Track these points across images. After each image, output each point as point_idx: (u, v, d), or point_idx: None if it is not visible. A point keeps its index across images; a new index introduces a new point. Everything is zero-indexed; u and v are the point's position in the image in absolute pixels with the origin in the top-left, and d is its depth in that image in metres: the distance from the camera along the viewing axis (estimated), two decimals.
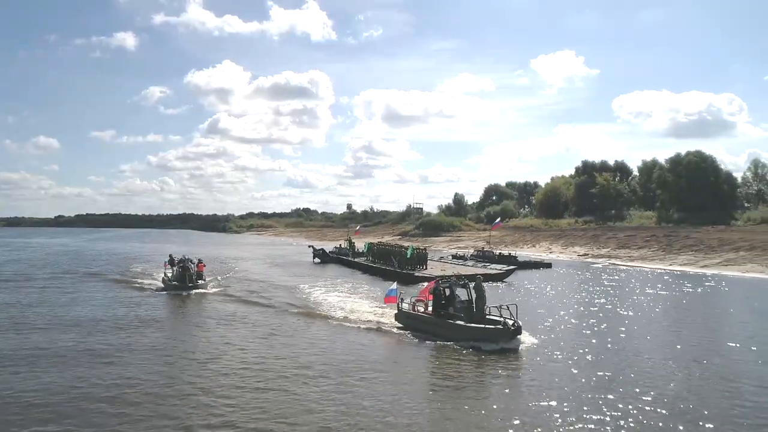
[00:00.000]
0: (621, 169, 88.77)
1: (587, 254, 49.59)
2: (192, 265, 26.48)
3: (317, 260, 45.94)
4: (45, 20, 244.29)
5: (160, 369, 12.51)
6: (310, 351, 14.22)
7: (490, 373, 12.36)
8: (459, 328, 15.31)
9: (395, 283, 19.28)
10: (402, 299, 18.01)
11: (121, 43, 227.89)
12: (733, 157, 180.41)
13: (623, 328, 17.52)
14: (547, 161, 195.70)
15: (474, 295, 16.05)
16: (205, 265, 28.17)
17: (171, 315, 20.60)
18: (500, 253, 41.43)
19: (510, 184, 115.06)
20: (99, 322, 17.90)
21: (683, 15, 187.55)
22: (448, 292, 16.61)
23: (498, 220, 56.36)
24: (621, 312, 20.99)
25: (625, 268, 40.54)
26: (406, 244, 59.81)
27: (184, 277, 25.47)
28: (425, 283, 19.85)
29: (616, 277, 34.51)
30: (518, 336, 14.61)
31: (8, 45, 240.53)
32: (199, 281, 26.11)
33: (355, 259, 42.06)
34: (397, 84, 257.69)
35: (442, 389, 11.33)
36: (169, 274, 26.96)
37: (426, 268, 33.32)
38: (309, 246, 51.73)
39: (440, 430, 9.18)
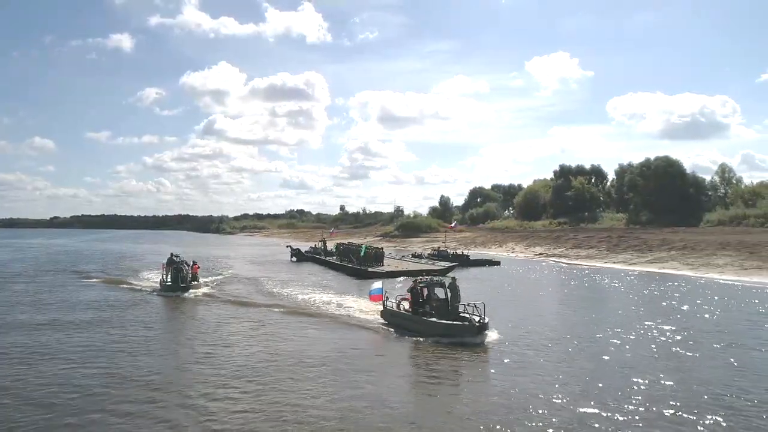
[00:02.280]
0: (597, 172, 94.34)
1: (542, 253, 55.23)
2: (186, 267, 27.49)
3: (294, 259, 51.76)
4: (41, 21, 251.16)
5: (150, 367, 13.57)
6: (301, 348, 15.65)
7: (461, 365, 14.14)
8: (431, 324, 17.09)
9: (380, 282, 20.95)
10: (387, 297, 19.83)
11: (117, 44, 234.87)
12: (726, 159, 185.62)
13: (542, 314, 22.30)
14: (542, 162, 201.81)
15: (449, 294, 17.97)
16: (199, 267, 29.58)
17: (163, 315, 21.75)
18: (454, 252, 47.21)
19: (495, 187, 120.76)
20: (96, 322, 19.40)
21: (676, 18, 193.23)
22: (426, 291, 18.33)
23: (454, 223, 62.24)
24: (541, 300, 26.70)
25: (566, 265, 46.25)
26: (384, 244, 65.70)
27: (177, 279, 26.68)
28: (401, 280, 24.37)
29: (546, 272, 40.22)
30: (485, 331, 16.31)
31: (4, 46, 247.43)
32: (194, 282, 27.42)
33: (326, 258, 47.82)
34: (392, 86, 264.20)
35: (421, 381, 12.94)
36: (166, 275, 27.75)
37: (382, 265, 39.08)
38: (287, 246, 57.59)
39: (420, 417, 10.41)
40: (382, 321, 19.42)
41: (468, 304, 17.26)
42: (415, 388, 12.51)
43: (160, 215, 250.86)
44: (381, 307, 19.99)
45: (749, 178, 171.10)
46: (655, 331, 18.18)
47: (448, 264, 39.60)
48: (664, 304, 24.63)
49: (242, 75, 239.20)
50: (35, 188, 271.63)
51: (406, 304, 18.90)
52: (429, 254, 48.37)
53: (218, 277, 34.50)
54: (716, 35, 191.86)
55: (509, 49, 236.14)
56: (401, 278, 33.10)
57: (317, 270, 42.97)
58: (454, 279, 18.63)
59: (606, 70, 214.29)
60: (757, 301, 25.25)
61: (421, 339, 16.67)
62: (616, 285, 32.88)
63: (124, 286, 30.60)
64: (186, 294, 25.93)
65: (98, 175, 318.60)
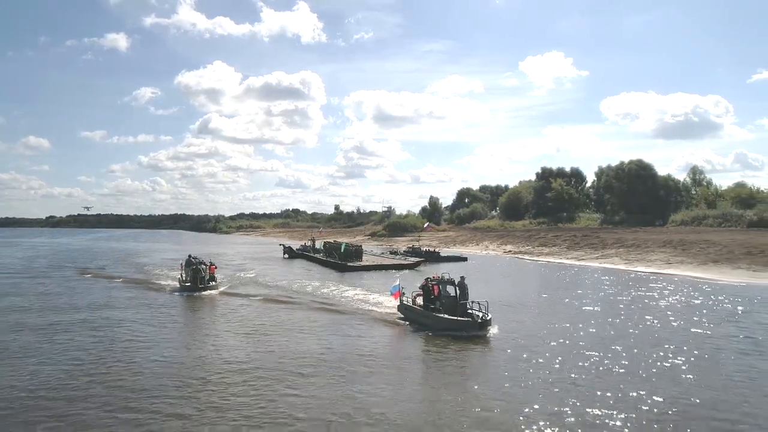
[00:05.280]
0: (576, 174, 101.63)
1: (511, 251, 62.56)
2: (204, 267, 29.65)
3: (286, 256, 59.08)
4: (36, 21, 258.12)
5: (168, 361, 15.18)
6: (326, 342, 17.60)
7: (465, 356, 16.10)
8: (438, 319, 19.08)
9: (398, 280, 23.35)
10: (403, 293, 21.84)
11: (112, 44, 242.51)
12: (720, 158, 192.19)
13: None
14: (538, 162, 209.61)
15: (458, 292, 20.04)
16: (216, 267, 31.45)
17: (186, 313, 23.84)
18: (426, 249, 54.64)
19: (483, 188, 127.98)
20: (123, 321, 21.27)
21: (669, 18, 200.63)
22: (437, 289, 20.14)
23: (428, 224, 69.79)
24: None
25: (524, 260, 53.70)
26: (372, 243, 72.88)
27: (196, 279, 28.89)
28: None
29: (503, 266, 47.54)
30: (488, 327, 18.26)
31: None
32: (211, 282, 29.58)
33: (314, 255, 55.12)
34: (387, 85, 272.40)
35: (431, 374, 14.70)
36: (185, 275, 30.24)
37: (361, 260, 46.40)
38: (280, 244, 64.95)
39: (429, 403, 11.97)
40: (399, 315, 21.80)
41: (474, 302, 19.46)
42: (423, 380, 14.12)
43: (156, 214, 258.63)
44: (398, 302, 22.29)
45: (743, 177, 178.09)
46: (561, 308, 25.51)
47: (417, 259, 47.01)
48: (584, 288, 32.03)
49: (237, 74, 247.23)
50: (30, 187, 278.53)
51: (420, 300, 20.94)
52: (404, 251, 55.70)
53: (233, 275, 37.75)
54: (709, 36, 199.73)
55: (503, 49, 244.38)
56: (374, 271, 40.01)
57: (306, 265, 50.20)
58: (462, 278, 20.56)
59: (600, 70, 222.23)
60: (659, 285, 32.31)
61: (431, 332, 18.76)
62: (557, 275, 40.24)
63: (146, 285, 33.08)
64: (204, 293, 28.32)
65: (93, 175, 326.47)
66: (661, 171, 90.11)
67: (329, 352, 16.28)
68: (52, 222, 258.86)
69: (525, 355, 15.88)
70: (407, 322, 20.67)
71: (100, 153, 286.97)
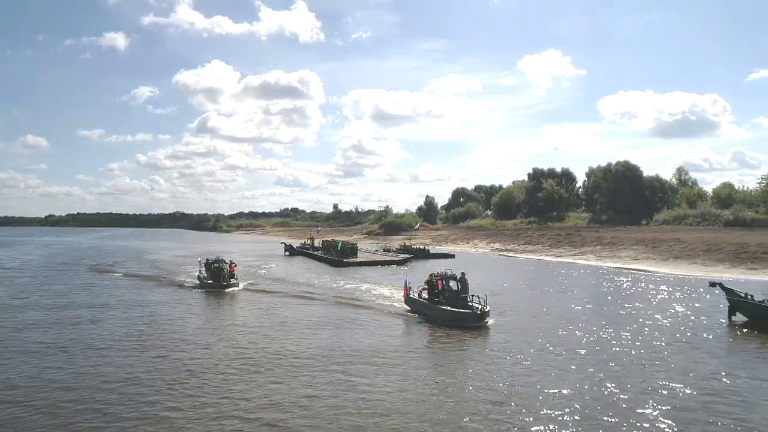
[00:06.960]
0: (567, 175, 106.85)
1: (498, 248, 67.79)
2: (225, 266, 31.60)
3: (287, 253, 64.34)
4: (35, 20, 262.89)
5: (190, 355, 16.31)
6: (343, 333, 19.35)
7: (467, 344, 17.95)
8: (441, 311, 21.03)
9: (407, 277, 26.44)
10: (410, 288, 24.08)
11: (110, 43, 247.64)
12: (718, 156, 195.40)
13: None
14: (536, 161, 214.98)
15: (460, 287, 22.01)
16: (236, 265, 33.18)
17: (207, 310, 25.49)
18: (416, 247, 59.99)
19: (478, 188, 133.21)
20: (152, 318, 22.48)
21: (667, 17, 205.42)
22: (441, 283, 22.07)
23: (418, 224, 75.20)
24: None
25: (507, 257, 59.02)
26: (368, 241, 78.03)
27: (219, 277, 30.47)
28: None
29: (485, 262, 52.71)
30: (486, 318, 20.17)
31: None
32: (232, 280, 31.11)
33: (314, 252, 60.41)
34: (385, 84, 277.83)
35: (436, 359, 16.41)
36: (204, 273, 32.23)
37: (356, 257, 51.67)
38: (281, 243, 70.29)
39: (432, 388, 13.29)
40: (407, 308, 24.02)
41: (474, 295, 21.58)
42: (429, 368, 15.51)
43: (155, 213, 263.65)
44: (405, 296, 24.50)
45: (741, 175, 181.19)
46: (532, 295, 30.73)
47: (406, 256, 52.39)
48: (557, 281, 37.29)
49: (236, 73, 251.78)
50: (27, 186, 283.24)
51: (425, 294, 23.01)
52: (396, 249, 61.05)
53: (247, 271, 40.31)
54: (706, 35, 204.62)
55: (501, 48, 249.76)
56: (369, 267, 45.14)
57: (306, 261, 55.49)
58: (463, 274, 22.56)
59: (598, 69, 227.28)
60: (618, 278, 37.37)
61: (434, 324, 20.79)
62: (534, 270, 45.50)
63: (169, 283, 35.03)
64: (227, 290, 30.01)
65: (91, 173, 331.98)
66: (659, 170, 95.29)
67: (349, 342, 18.08)
68: (51, 221, 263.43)
69: (520, 342, 18.06)
70: (414, 314, 22.90)
71: (99, 152, 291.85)
